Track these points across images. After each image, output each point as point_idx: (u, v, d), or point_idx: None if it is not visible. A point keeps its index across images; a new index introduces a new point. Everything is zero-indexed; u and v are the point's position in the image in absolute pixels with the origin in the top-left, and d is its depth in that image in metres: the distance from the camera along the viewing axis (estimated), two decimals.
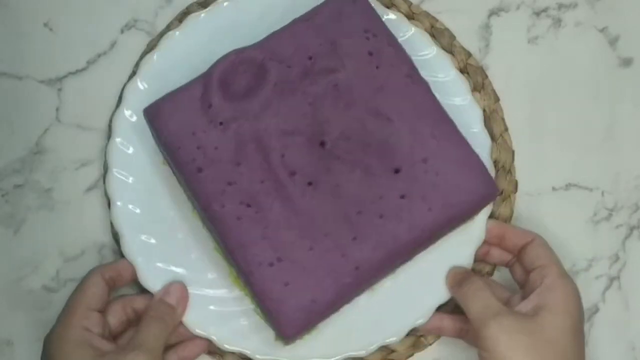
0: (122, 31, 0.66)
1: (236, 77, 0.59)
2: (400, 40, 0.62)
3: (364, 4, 0.61)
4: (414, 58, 0.62)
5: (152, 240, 0.61)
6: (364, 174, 0.58)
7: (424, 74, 0.61)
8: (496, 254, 0.62)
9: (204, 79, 0.59)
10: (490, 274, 0.63)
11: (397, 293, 0.61)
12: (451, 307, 0.61)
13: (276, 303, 0.56)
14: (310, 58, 0.60)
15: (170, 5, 0.66)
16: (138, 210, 0.62)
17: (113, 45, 0.66)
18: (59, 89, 0.66)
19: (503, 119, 0.65)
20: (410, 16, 0.66)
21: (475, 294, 0.57)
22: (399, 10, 0.65)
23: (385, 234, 0.57)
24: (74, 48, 0.66)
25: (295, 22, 0.61)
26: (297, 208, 0.57)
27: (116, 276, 0.59)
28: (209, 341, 0.60)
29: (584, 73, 0.66)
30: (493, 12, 0.67)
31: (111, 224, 0.63)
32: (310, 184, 0.58)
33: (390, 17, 0.64)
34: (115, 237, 0.63)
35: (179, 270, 0.61)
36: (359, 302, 0.61)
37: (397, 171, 0.58)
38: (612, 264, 0.65)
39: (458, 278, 0.59)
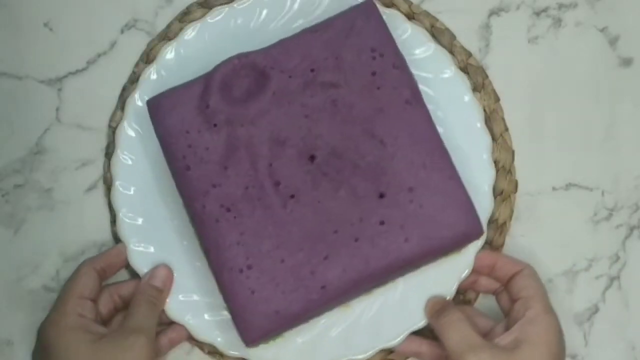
0: (122, 31, 0.66)
1: (237, 81, 0.60)
2: (417, 58, 0.62)
3: (377, 21, 0.60)
4: (430, 77, 0.62)
5: (146, 224, 0.62)
6: (348, 194, 0.58)
7: (441, 94, 0.62)
8: (484, 282, 0.61)
9: (206, 79, 0.60)
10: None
11: (373, 312, 0.61)
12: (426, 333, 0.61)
13: (239, 308, 0.57)
14: (312, 70, 0.59)
15: (170, 5, 0.66)
16: (135, 193, 0.62)
17: (113, 45, 0.66)
18: (59, 89, 0.66)
19: (503, 119, 0.65)
20: (411, 16, 0.65)
21: (453, 325, 0.56)
22: (399, 10, 0.65)
23: (357, 258, 0.57)
24: (74, 48, 0.66)
25: (305, 32, 0.61)
26: (276, 219, 0.58)
27: (107, 266, 0.60)
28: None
29: (584, 73, 0.66)
30: (493, 12, 0.67)
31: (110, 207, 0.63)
32: (292, 196, 0.58)
33: (409, 33, 0.63)
34: (115, 236, 0.63)
35: (168, 256, 0.61)
36: (333, 315, 0.61)
37: (381, 196, 0.58)
38: (612, 263, 0.65)
39: (437, 308, 0.59)
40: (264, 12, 0.64)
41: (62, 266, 0.64)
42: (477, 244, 0.60)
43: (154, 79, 0.63)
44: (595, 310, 0.64)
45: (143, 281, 0.60)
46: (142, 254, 0.61)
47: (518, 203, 0.64)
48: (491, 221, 0.63)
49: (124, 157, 0.62)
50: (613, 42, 0.67)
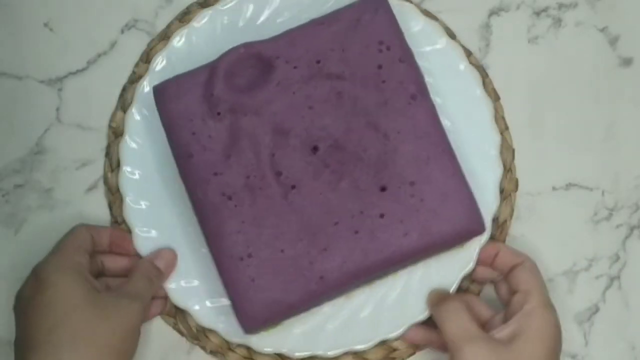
0: (122, 31, 0.66)
1: (242, 70, 0.60)
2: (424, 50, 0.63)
3: (385, 14, 0.61)
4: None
5: (150, 209, 0.62)
6: (350, 187, 0.58)
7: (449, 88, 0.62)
8: (481, 270, 0.61)
9: (211, 67, 0.60)
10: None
11: (374, 303, 0.61)
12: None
13: (239, 296, 0.57)
14: (318, 62, 0.60)
15: (170, 5, 0.66)
16: (141, 178, 0.62)
17: (113, 45, 0.66)
18: (59, 89, 0.66)
19: (503, 118, 0.65)
20: None
21: (451, 315, 0.56)
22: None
23: (356, 251, 0.57)
24: (74, 48, 0.66)
25: (312, 23, 0.61)
26: (277, 209, 0.58)
27: (97, 235, 0.60)
28: (167, 300, 0.62)
29: (584, 73, 0.66)
30: (493, 12, 0.67)
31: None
32: (294, 187, 0.58)
33: (419, 27, 0.64)
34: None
35: (172, 240, 0.62)
36: (334, 305, 0.61)
37: (383, 189, 0.58)
38: (613, 263, 0.65)
39: (437, 299, 0.59)
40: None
41: None
42: (481, 239, 0.61)
43: (163, 67, 0.63)
44: (596, 310, 0.64)
45: (147, 258, 0.60)
46: (146, 239, 0.62)
47: (518, 203, 0.64)
48: (492, 219, 0.63)
49: (131, 142, 0.63)
50: (613, 42, 0.67)
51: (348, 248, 0.57)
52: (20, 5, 0.66)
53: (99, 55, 0.66)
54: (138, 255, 0.61)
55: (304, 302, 0.58)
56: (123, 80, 0.65)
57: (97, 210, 0.64)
